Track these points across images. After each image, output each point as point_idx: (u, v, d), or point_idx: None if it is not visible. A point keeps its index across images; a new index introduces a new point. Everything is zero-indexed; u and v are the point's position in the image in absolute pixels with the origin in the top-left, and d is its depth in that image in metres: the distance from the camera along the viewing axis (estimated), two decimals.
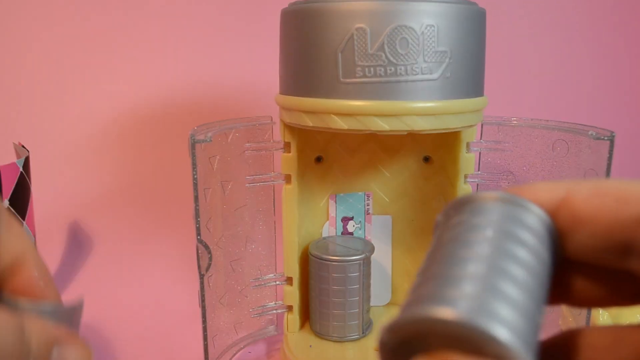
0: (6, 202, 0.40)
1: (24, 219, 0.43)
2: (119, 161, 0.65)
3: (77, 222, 0.65)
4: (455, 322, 0.12)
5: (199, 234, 0.37)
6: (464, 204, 0.16)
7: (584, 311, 0.39)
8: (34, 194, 0.45)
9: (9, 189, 0.40)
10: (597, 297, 0.17)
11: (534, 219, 0.15)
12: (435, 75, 0.35)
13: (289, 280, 0.45)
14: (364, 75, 0.35)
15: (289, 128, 0.41)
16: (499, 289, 0.13)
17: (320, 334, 0.45)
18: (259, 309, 0.46)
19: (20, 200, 0.42)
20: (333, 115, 0.36)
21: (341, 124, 0.35)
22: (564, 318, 0.42)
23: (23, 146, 0.45)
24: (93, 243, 0.65)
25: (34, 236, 0.46)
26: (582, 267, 0.16)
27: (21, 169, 0.42)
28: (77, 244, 0.65)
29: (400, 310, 0.14)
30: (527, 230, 0.15)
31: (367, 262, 0.44)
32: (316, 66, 0.36)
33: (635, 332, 0.16)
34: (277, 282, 0.46)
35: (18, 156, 0.44)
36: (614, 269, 0.16)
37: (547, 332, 0.16)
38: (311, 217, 0.48)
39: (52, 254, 0.59)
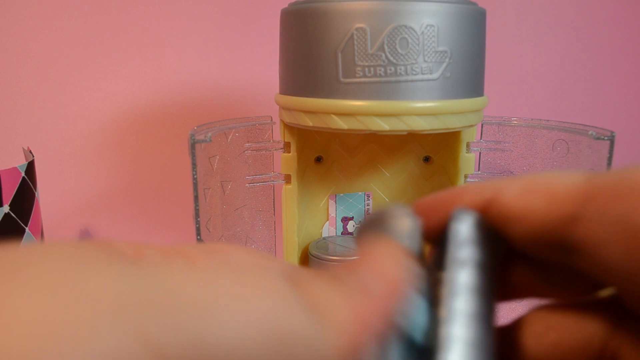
0: (6, 208, 0.40)
1: (26, 225, 0.42)
2: (118, 161, 0.65)
3: (77, 222, 0.65)
4: None
5: (198, 234, 0.37)
6: (383, 228, 0.16)
7: None
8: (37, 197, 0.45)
9: (9, 194, 0.40)
10: (546, 291, 0.16)
11: (465, 226, 0.15)
12: (435, 75, 0.35)
13: None
14: (364, 75, 0.35)
15: (289, 128, 0.41)
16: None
17: None
18: None
19: (21, 206, 0.42)
20: (333, 115, 0.36)
21: (341, 124, 0.35)
22: None
23: (30, 151, 0.45)
24: None
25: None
26: (528, 260, 0.16)
27: (23, 174, 0.42)
28: None
29: None
30: (461, 245, 0.15)
31: None
32: (316, 66, 0.36)
33: (565, 317, 0.16)
34: None
35: (27, 161, 0.44)
36: (557, 263, 0.15)
37: None
38: (311, 217, 0.48)
39: None
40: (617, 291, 0.14)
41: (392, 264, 0.14)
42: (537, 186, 0.14)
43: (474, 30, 0.36)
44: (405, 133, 0.35)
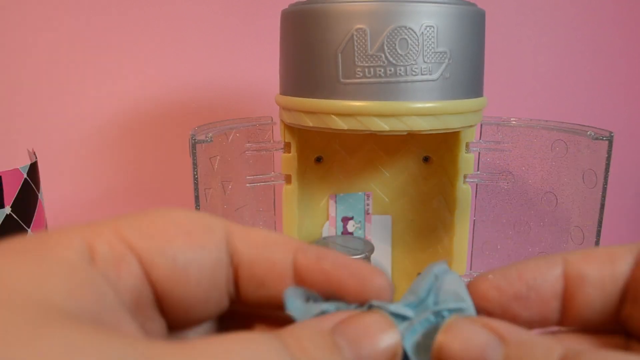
0: (8, 209, 0.40)
1: (28, 227, 0.43)
2: (120, 162, 0.65)
3: (77, 222, 0.65)
4: None
5: None
6: None
7: None
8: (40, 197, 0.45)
9: (11, 195, 0.40)
10: None
11: None
12: (434, 76, 0.35)
13: None
14: (364, 76, 0.35)
15: (289, 128, 0.41)
16: None
17: None
18: None
19: (24, 207, 0.42)
20: (333, 116, 0.36)
21: (341, 124, 0.36)
22: None
23: (34, 153, 0.45)
24: None
25: None
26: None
27: (25, 175, 0.42)
28: None
29: None
30: None
31: (367, 262, 0.44)
32: (316, 67, 0.36)
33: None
34: None
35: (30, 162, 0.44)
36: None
37: None
38: (311, 217, 0.48)
39: None
40: None
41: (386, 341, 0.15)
42: (595, 251, 0.17)
43: (473, 31, 0.36)
44: (405, 133, 0.36)
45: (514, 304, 0.16)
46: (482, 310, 0.16)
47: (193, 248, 0.15)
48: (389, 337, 0.15)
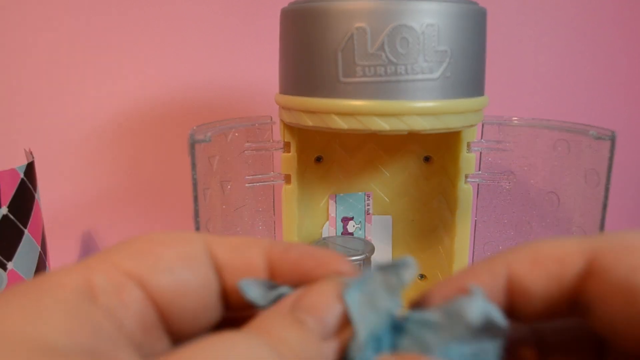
0: (5, 209, 0.40)
1: (25, 227, 0.42)
2: (118, 162, 0.65)
3: (78, 222, 0.65)
4: None
5: None
6: None
7: None
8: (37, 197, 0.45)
9: (8, 195, 0.40)
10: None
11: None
12: (435, 75, 0.35)
13: None
14: (364, 75, 0.34)
15: (289, 128, 0.41)
16: None
17: None
18: None
19: (20, 207, 0.41)
20: (333, 115, 0.35)
21: (341, 123, 0.35)
22: None
23: (31, 153, 0.45)
24: (95, 243, 0.65)
25: (43, 244, 0.46)
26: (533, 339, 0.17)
27: (22, 175, 0.42)
28: (78, 244, 0.65)
29: None
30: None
31: (367, 263, 0.43)
32: (316, 66, 0.36)
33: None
34: None
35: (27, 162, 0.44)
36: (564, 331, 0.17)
37: None
38: (311, 217, 0.48)
39: (54, 254, 0.59)
40: (618, 343, 0.16)
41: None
42: (544, 255, 0.16)
43: (474, 30, 0.36)
44: (405, 133, 0.35)
45: None
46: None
47: (184, 261, 0.16)
48: (338, 299, 0.15)
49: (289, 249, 0.17)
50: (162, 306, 0.16)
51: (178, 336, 0.16)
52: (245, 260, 0.17)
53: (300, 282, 0.17)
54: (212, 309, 0.17)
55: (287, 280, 0.17)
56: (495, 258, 0.16)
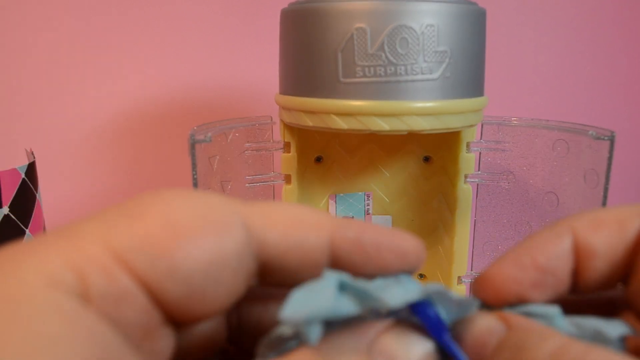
0: (6, 209, 0.40)
1: (26, 227, 0.42)
2: (119, 161, 0.65)
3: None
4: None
5: None
6: None
7: None
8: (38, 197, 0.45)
9: (9, 195, 0.40)
10: None
11: None
12: (435, 75, 0.35)
13: None
14: (364, 75, 0.35)
15: (289, 128, 0.41)
16: None
17: None
18: None
19: (22, 207, 0.42)
20: (333, 115, 0.36)
21: (341, 124, 0.35)
22: None
23: (32, 153, 0.45)
24: None
25: None
26: None
27: (23, 175, 0.42)
28: None
29: None
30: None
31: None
32: (316, 66, 0.36)
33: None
34: None
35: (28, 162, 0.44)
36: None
37: None
38: None
39: None
40: None
41: None
42: (605, 217, 0.16)
43: (474, 30, 0.36)
44: (405, 133, 0.35)
45: (532, 291, 0.16)
46: (499, 302, 0.16)
47: (209, 258, 0.13)
48: (426, 348, 0.14)
49: (360, 237, 0.15)
50: (171, 310, 0.13)
51: (184, 323, 0.14)
52: (302, 250, 0.14)
53: (370, 273, 0.15)
54: (231, 300, 0.14)
55: (353, 270, 0.15)
56: (558, 224, 0.17)
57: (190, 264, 0.13)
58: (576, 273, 0.16)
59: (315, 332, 0.13)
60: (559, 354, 0.13)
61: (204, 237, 0.13)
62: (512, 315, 0.15)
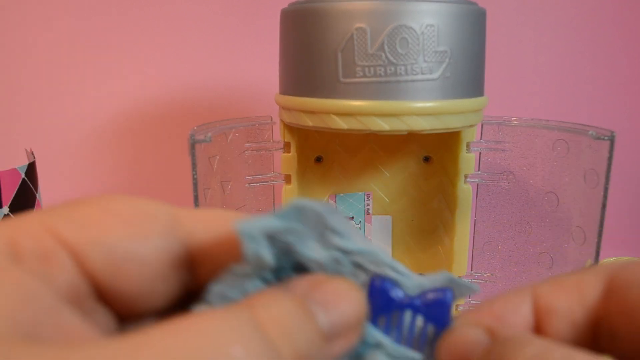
0: (6, 209, 0.40)
1: None
2: (119, 161, 0.65)
3: None
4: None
5: None
6: None
7: None
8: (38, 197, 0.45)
9: (9, 195, 0.40)
10: None
11: None
12: (435, 75, 0.35)
13: None
14: (364, 75, 0.35)
15: (289, 128, 0.41)
16: None
17: None
18: None
19: (22, 207, 0.42)
20: (333, 115, 0.36)
21: (341, 124, 0.35)
22: None
23: (32, 153, 0.45)
24: None
25: None
26: None
27: (23, 175, 0.42)
28: None
29: None
30: None
31: None
32: (316, 66, 0.36)
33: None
34: None
35: (28, 162, 0.44)
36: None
37: None
38: None
39: None
40: None
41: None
42: (564, 280, 0.17)
43: (474, 30, 0.36)
44: (405, 133, 0.35)
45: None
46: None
47: (133, 238, 0.14)
48: (358, 300, 0.15)
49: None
50: (97, 283, 0.14)
51: (122, 311, 0.15)
52: (228, 240, 0.15)
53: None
54: (166, 291, 0.15)
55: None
56: (521, 287, 0.17)
57: (113, 235, 0.14)
58: (538, 333, 0.17)
59: (268, 252, 0.14)
60: (541, 357, 0.13)
61: (130, 217, 0.14)
62: (498, 327, 0.16)
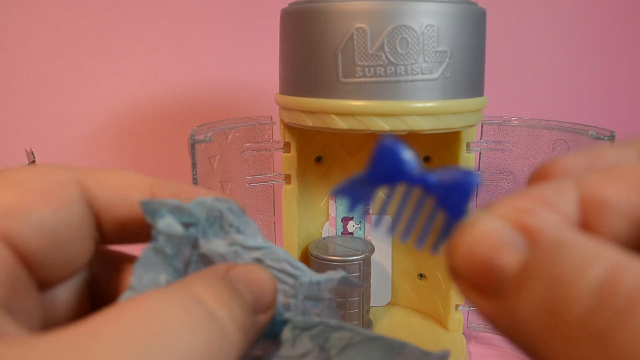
0: None
1: None
2: (118, 161, 0.65)
3: None
4: None
5: None
6: None
7: None
8: None
9: None
10: None
11: None
12: (435, 75, 0.35)
13: None
14: (364, 75, 0.35)
15: (289, 128, 0.41)
16: None
17: None
18: None
19: None
20: (333, 115, 0.36)
21: (341, 124, 0.35)
22: None
23: (32, 152, 0.45)
24: None
25: None
26: None
27: None
28: None
29: None
30: None
31: (367, 263, 0.44)
32: (316, 66, 0.36)
33: None
34: None
35: (28, 161, 0.44)
36: None
37: None
38: (311, 217, 0.48)
39: None
40: None
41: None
42: (623, 172, 0.13)
43: (474, 30, 0.36)
44: (405, 133, 0.35)
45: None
46: None
47: (53, 208, 0.15)
48: (270, 278, 0.16)
49: (177, 194, 0.18)
50: (32, 264, 0.15)
51: (46, 281, 0.16)
52: (128, 203, 0.17)
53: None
54: (84, 252, 0.17)
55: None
56: (559, 177, 0.13)
57: (41, 211, 0.15)
58: (586, 231, 0.12)
59: (174, 221, 0.16)
60: (611, 283, 0.09)
61: (47, 190, 0.16)
62: (535, 219, 0.11)
